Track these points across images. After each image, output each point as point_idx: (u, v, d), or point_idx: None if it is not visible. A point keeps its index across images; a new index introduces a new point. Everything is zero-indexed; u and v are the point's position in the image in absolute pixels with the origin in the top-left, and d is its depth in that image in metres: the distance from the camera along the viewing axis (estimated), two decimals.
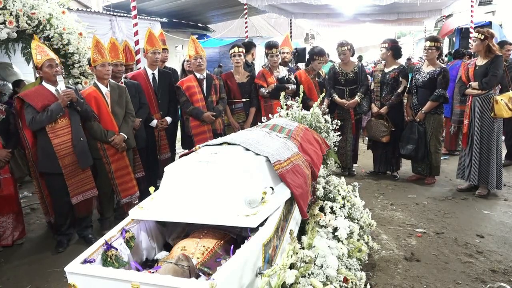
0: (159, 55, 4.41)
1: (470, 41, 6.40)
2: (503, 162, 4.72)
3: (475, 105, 4.31)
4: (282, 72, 4.85)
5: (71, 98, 3.24)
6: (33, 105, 3.20)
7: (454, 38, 12.04)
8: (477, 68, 4.26)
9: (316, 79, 5.10)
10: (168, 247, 2.09)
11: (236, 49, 4.61)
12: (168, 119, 4.45)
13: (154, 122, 4.33)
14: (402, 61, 13.08)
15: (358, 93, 5.05)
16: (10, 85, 6.11)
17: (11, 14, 3.61)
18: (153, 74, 4.40)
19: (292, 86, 4.72)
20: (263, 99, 4.73)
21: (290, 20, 10.49)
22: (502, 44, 5.74)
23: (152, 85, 4.38)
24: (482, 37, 4.14)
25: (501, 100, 4.14)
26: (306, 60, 5.29)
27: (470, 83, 4.31)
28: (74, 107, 3.31)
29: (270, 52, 4.77)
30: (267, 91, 4.66)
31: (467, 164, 4.45)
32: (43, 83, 3.33)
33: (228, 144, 2.40)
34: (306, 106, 4.27)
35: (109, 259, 1.71)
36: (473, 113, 4.33)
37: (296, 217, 2.34)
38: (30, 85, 3.91)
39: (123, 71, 4.02)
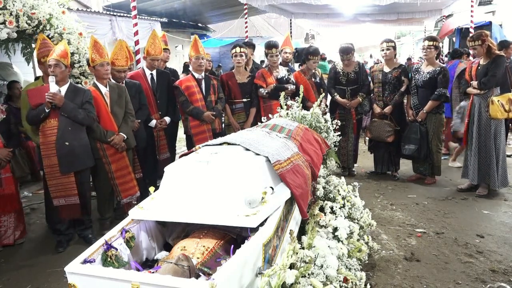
0: (157, 62, 4.44)
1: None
2: None
3: (475, 104, 4.32)
4: (282, 72, 4.85)
5: (54, 102, 3.17)
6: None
7: (454, 38, 12.04)
8: (479, 67, 4.27)
9: (313, 79, 5.09)
10: (168, 247, 2.09)
11: (237, 49, 4.60)
12: (167, 119, 4.45)
13: (153, 122, 4.33)
14: (402, 60, 13.10)
15: (360, 93, 5.05)
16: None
17: (11, 14, 3.61)
18: (151, 74, 4.41)
19: (291, 86, 4.71)
20: (262, 100, 4.73)
21: (290, 20, 10.50)
22: (508, 44, 5.72)
23: (151, 85, 4.38)
24: (480, 42, 4.13)
25: (498, 101, 4.14)
26: (301, 60, 5.29)
27: (471, 82, 4.32)
28: (59, 112, 3.24)
29: (270, 52, 4.77)
30: (266, 91, 4.66)
31: (468, 163, 4.46)
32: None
33: (228, 144, 2.40)
34: (304, 107, 4.27)
35: (109, 259, 1.71)
36: (473, 112, 4.34)
37: (296, 217, 2.34)
38: (32, 84, 3.91)
39: (125, 77, 4.02)
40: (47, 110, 3.21)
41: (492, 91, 4.20)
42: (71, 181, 3.32)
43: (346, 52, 5.03)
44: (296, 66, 7.62)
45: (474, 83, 4.27)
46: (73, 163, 3.32)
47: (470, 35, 4.33)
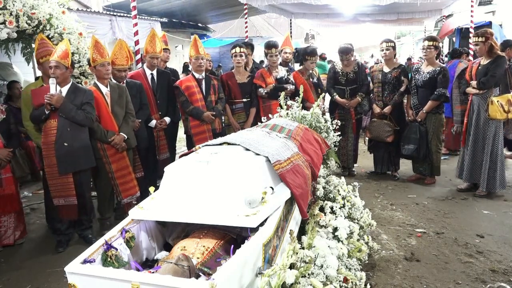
0: (157, 60, 4.42)
1: (470, 40, 6.40)
2: None
3: (474, 104, 4.32)
4: (281, 72, 4.85)
5: (52, 103, 3.18)
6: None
7: (454, 38, 12.04)
8: (479, 67, 4.26)
9: (311, 79, 5.09)
10: (168, 247, 2.09)
11: (237, 49, 4.61)
12: (167, 119, 4.45)
13: (153, 123, 4.33)
14: (402, 60, 13.11)
15: (359, 93, 5.05)
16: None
17: (11, 14, 3.61)
18: (151, 74, 4.40)
19: (290, 86, 4.71)
20: (261, 100, 4.73)
21: (290, 20, 10.50)
22: (510, 43, 5.72)
23: (151, 85, 4.38)
24: (483, 39, 4.14)
25: (497, 101, 4.13)
26: (299, 60, 5.30)
27: (471, 82, 4.32)
28: (58, 113, 3.25)
29: (269, 52, 4.77)
30: (265, 91, 4.66)
31: (464, 162, 4.47)
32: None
33: (228, 144, 2.40)
34: (303, 107, 4.28)
35: (109, 259, 1.71)
36: (472, 112, 4.34)
37: (296, 217, 2.34)
38: (32, 85, 3.91)
39: (126, 76, 4.02)
40: (46, 112, 3.22)
41: (491, 91, 4.20)
42: (69, 182, 3.33)
43: (346, 53, 5.04)
44: (296, 66, 7.61)
45: (474, 83, 4.27)
46: (72, 164, 3.32)
47: (476, 31, 4.34)
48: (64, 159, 3.27)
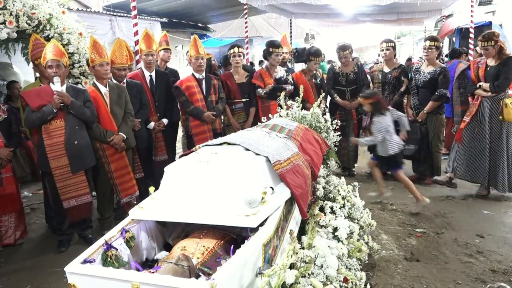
0: (152, 57, 4.38)
1: (471, 41, 6.40)
2: None
3: (484, 106, 4.25)
4: (280, 72, 4.84)
5: (63, 101, 3.19)
6: (30, 104, 3.23)
7: (454, 38, 12.05)
8: (488, 69, 4.20)
9: (313, 80, 5.08)
10: (168, 247, 2.09)
11: (235, 49, 4.61)
12: (165, 121, 4.43)
13: (151, 125, 4.31)
14: (402, 60, 13.11)
15: (360, 93, 5.04)
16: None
17: (11, 14, 3.61)
18: (150, 76, 4.39)
19: (289, 87, 4.71)
20: (260, 100, 4.73)
21: (290, 20, 10.49)
22: None
23: (150, 86, 4.37)
24: (493, 42, 4.06)
25: (511, 103, 4.07)
26: (303, 60, 5.29)
27: (480, 84, 4.24)
28: (68, 110, 3.25)
29: (275, 51, 4.72)
30: (264, 91, 4.65)
31: (468, 162, 4.42)
32: (51, 83, 3.31)
33: (228, 144, 2.40)
34: (303, 107, 4.27)
35: (109, 259, 1.71)
36: (483, 114, 4.26)
37: (296, 217, 2.34)
38: (30, 85, 3.90)
39: (126, 75, 4.01)
40: (55, 110, 3.20)
41: (503, 93, 4.14)
42: (82, 180, 3.34)
43: (343, 49, 5.02)
44: (295, 66, 7.60)
45: (485, 85, 4.18)
46: (82, 162, 3.35)
47: (482, 34, 4.20)
48: (75, 157, 3.28)
